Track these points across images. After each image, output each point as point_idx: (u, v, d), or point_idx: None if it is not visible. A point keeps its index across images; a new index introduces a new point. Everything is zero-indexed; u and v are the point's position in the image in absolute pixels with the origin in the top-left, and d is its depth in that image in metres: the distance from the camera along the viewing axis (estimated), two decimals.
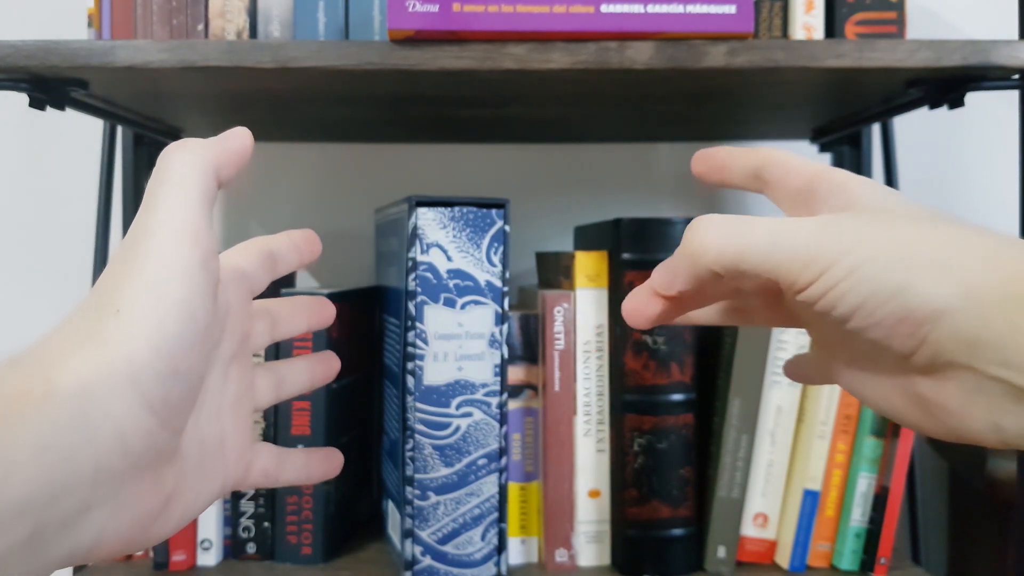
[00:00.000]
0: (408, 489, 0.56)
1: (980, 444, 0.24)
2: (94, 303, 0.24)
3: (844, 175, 0.27)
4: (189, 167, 0.26)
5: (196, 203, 0.25)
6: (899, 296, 0.23)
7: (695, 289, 0.28)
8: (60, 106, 0.57)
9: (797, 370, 0.33)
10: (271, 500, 0.64)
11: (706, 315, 0.33)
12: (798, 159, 0.29)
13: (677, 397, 0.60)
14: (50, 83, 0.55)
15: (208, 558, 0.63)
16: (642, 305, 0.29)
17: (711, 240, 0.25)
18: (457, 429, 0.56)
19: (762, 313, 0.32)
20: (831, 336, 0.28)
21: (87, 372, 0.22)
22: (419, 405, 0.55)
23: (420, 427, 0.55)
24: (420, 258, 0.55)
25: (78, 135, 0.87)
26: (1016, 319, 0.21)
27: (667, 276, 0.28)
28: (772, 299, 0.31)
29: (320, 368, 0.35)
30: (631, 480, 0.60)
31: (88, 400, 0.21)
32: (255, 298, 0.32)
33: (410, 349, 0.55)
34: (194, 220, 0.25)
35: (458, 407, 0.56)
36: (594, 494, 0.62)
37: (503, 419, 0.57)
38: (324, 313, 0.35)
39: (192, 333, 0.24)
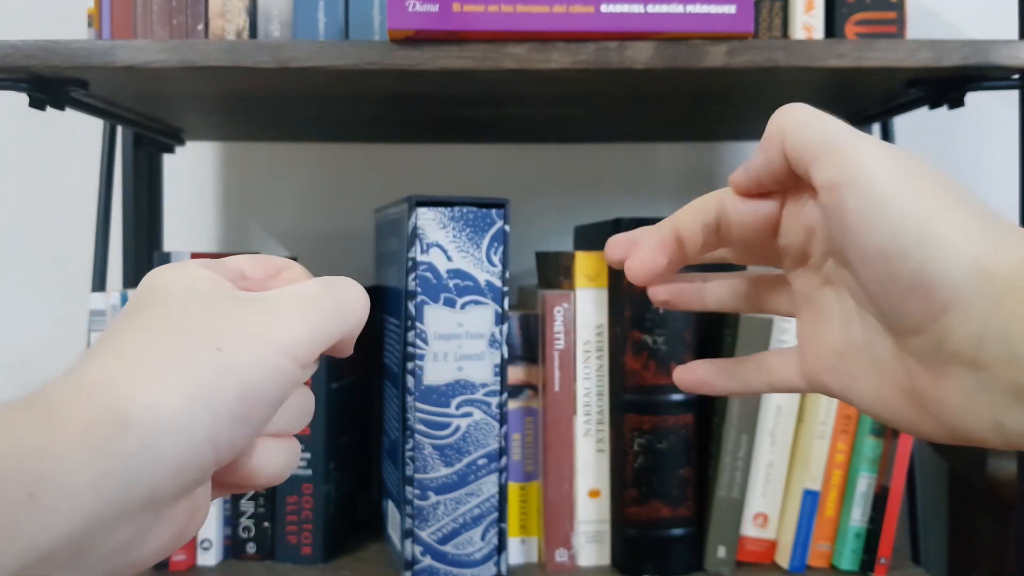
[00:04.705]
0: (408, 489, 0.56)
1: (981, 445, 0.23)
2: (184, 335, 0.24)
3: (854, 135, 0.25)
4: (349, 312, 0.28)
5: (325, 337, 0.27)
6: (918, 252, 0.22)
7: (769, 183, 0.28)
8: (60, 106, 0.57)
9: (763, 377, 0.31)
10: (271, 500, 0.64)
11: (717, 297, 0.32)
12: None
13: (677, 397, 0.60)
14: (50, 83, 0.55)
15: (208, 558, 0.63)
16: (649, 258, 0.29)
17: (790, 116, 0.26)
18: (457, 429, 0.56)
19: (769, 294, 0.31)
20: (830, 316, 0.27)
21: (166, 402, 0.22)
22: (419, 405, 0.55)
23: (420, 427, 0.55)
24: (420, 258, 0.55)
25: (78, 135, 0.87)
26: (1019, 310, 0.21)
27: (742, 172, 0.28)
28: (780, 276, 0.31)
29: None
30: (631, 480, 0.60)
31: (159, 430, 0.21)
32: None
33: (410, 349, 0.55)
34: (324, 341, 0.27)
35: (458, 407, 0.56)
36: (594, 494, 0.62)
37: (503, 419, 0.57)
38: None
39: (280, 393, 0.25)
